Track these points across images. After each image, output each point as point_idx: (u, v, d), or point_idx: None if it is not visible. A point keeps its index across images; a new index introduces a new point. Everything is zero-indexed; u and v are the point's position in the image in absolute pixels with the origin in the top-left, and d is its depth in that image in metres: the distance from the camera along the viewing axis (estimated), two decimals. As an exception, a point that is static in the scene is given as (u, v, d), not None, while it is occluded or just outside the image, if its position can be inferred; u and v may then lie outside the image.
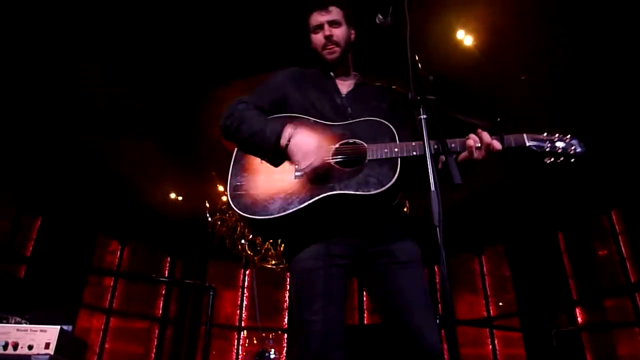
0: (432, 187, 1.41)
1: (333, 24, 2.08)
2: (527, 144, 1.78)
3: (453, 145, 1.75)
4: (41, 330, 2.22)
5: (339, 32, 2.08)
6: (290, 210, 1.73)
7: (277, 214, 1.74)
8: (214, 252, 8.62)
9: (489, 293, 8.82)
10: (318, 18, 2.10)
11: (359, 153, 1.80)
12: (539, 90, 5.54)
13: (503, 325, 8.49)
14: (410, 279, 1.76)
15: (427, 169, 1.50)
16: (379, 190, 1.70)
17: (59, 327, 2.23)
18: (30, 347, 2.18)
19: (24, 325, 2.23)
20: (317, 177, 1.77)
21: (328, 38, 2.05)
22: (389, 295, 1.78)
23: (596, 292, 7.25)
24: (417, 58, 1.67)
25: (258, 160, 1.89)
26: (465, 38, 5.10)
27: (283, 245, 2.03)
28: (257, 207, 1.78)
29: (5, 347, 2.17)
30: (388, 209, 1.83)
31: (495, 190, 7.87)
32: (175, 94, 6.10)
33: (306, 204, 1.74)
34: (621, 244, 6.90)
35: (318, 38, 2.10)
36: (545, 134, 1.82)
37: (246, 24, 5.12)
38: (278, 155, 1.83)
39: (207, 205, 6.43)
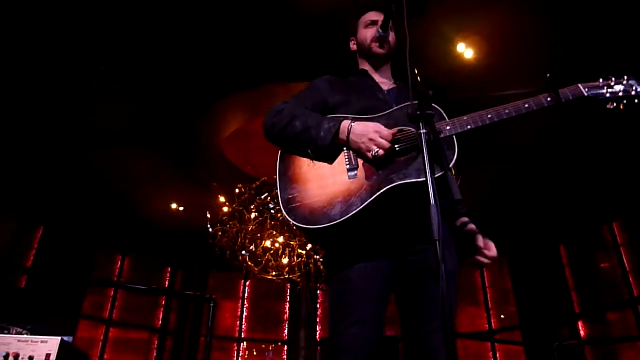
0: (432, 202, 1.40)
1: None
2: (585, 94, 1.71)
3: (507, 111, 1.72)
4: (42, 342, 2.22)
5: (390, 36, 2.12)
6: (354, 212, 1.65)
7: (340, 218, 1.66)
8: (214, 263, 8.61)
9: (490, 306, 8.77)
10: (374, 17, 2.14)
11: (412, 139, 1.73)
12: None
13: (505, 339, 8.43)
14: (438, 294, 1.73)
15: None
16: (442, 173, 1.57)
17: (59, 338, 2.23)
18: (31, 358, 2.17)
19: (25, 336, 2.23)
20: (380, 166, 1.71)
21: (381, 35, 2.06)
22: (413, 306, 1.75)
23: (599, 305, 7.21)
24: (417, 72, 1.67)
25: (305, 167, 1.82)
26: (465, 51, 5.13)
27: (326, 254, 1.93)
28: (317, 217, 1.70)
29: (6, 358, 2.17)
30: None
31: (497, 203, 7.87)
32: (177, 107, 6.13)
33: (369, 201, 1.66)
34: (623, 256, 6.88)
35: (370, 32, 2.12)
36: (601, 80, 1.74)
37: (247, 38, 5.16)
38: (335, 149, 1.79)
39: (209, 216, 6.43)
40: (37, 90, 5.72)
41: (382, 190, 1.66)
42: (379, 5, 2.17)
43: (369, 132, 1.73)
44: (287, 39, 5.18)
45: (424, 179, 1.57)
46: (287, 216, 1.77)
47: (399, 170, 1.68)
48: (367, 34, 2.14)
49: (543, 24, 4.80)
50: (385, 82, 2.13)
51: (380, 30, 2.05)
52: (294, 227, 1.82)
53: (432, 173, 1.47)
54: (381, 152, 1.70)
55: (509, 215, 8.22)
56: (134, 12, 4.80)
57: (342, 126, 1.78)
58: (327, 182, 1.77)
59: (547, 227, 8.00)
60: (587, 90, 1.71)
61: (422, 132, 1.50)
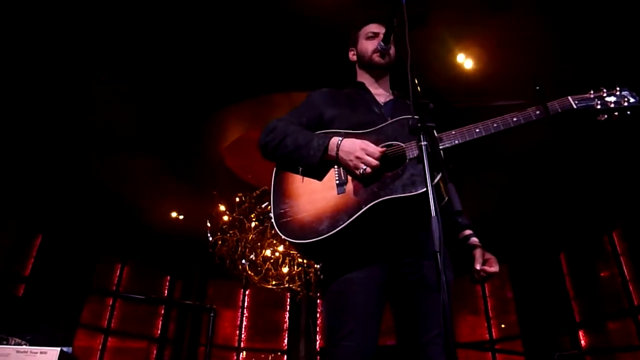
0: (433, 213, 1.40)
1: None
2: (575, 106, 1.70)
3: (495, 125, 1.73)
4: (41, 352, 2.21)
5: (391, 49, 2.14)
6: (341, 227, 1.68)
7: (327, 233, 1.69)
8: (214, 272, 8.59)
9: (490, 315, 8.74)
10: (375, 29, 2.17)
11: (398, 154, 1.76)
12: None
13: (505, 349, 8.38)
14: (435, 306, 1.68)
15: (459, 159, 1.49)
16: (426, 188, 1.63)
17: (59, 349, 2.22)
18: (29, 369, 2.17)
19: (24, 347, 2.22)
20: (368, 182, 1.73)
21: (383, 48, 2.08)
22: (409, 317, 1.75)
23: (599, 315, 7.19)
24: (417, 85, 1.68)
25: (297, 183, 1.86)
26: (465, 62, 5.16)
27: (320, 266, 1.97)
28: (305, 231, 1.74)
29: (5, 369, 2.16)
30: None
31: (497, 212, 7.86)
32: (178, 115, 6.15)
33: (355, 217, 1.68)
34: (623, 265, 6.87)
35: (371, 43, 2.15)
36: (592, 92, 1.73)
37: (247, 48, 5.19)
38: (323, 166, 1.82)
39: (208, 224, 6.42)
40: (37, 96, 5.74)
41: (368, 206, 1.69)
42: (380, 17, 2.19)
43: (355, 150, 1.76)
44: (287, 49, 5.22)
45: (409, 194, 1.65)
46: (278, 230, 1.80)
47: (386, 186, 1.71)
48: (369, 46, 2.16)
49: (542, 34, 4.83)
50: (382, 94, 2.15)
51: (382, 44, 2.07)
52: (285, 242, 1.86)
53: (433, 186, 1.47)
54: (368, 169, 1.72)
55: (510, 224, 8.21)
56: (137, 22, 4.83)
57: (330, 143, 1.82)
58: (317, 196, 1.80)
59: (548, 236, 7.99)
60: (576, 102, 1.71)
61: (422, 143, 1.51)
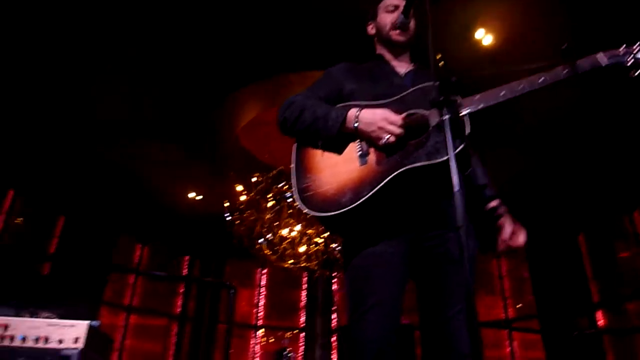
0: (456, 187, 1.39)
1: None
2: (604, 64, 1.62)
3: (521, 86, 1.66)
4: (70, 325, 2.28)
5: (411, 22, 2.08)
6: (364, 198, 1.65)
7: (350, 204, 1.66)
8: (231, 251, 8.70)
9: (507, 295, 8.74)
10: (395, 1, 2.09)
11: (421, 122, 1.70)
12: (560, 91, 5.48)
13: (522, 327, 8.39)
14: (458, 279, 1.68)
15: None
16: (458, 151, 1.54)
17: (88, 322, 2.29)
18: (60, 341, 2.24)
19: (54, 320, 2.29)
20: (390, 152, 1.70)
21: (403, 21, 2.01)
22: (433, 292, 1.74)
23: (618, 295, 7.13)
24: (439, 58, 1.65)
25: (318, 157, 1.84)
26: (484, 37, 5.06)
27: (342, 241, 1.93)
28: (328, 204, 1.72)
29: (36, 340, 2.24)
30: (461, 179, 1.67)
31: (515, 192, 7.79)
32: (195, 97, 6.18)
33: (378, 187, 1.65)
34: (644, 246, 6.79)
35: (391, 17, 2.08)
36: (623, 47, 1.65)
37: (262, 28, 5.16)
38: (342, 139, 1.79)
39: (226, 204, 6.48)
40: (60, 85, 5.81)
41: (391, 175, 1.65)
42: None
43: (376, 120, 1.72)
44: (302, 28, 5.17)
45: (435, 161, 1.59)
46: (301, 204, 1.78)
47: (410, 154, 1.67)
48: (388, 19, 2.10)
49: (564, 6, 4.70)
50: (402, 66, 2.10)
51: (402, 16, 2.04)
52: (308, 216, 1.85)
53: (456, 160, 1.46)
54: (392, 138, 1.68)
55: (528, 204, 8.14)
56: (152, 6, 4.83)
57: (348, 115, 1.78)
58: (339, 169, 1.77)
59: (567, 217, 7.90)
60: (606, 58, 1.63)
61: (445, 117, 1.49)
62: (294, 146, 1.95)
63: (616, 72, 1.65)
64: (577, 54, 1.67)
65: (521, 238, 1.81)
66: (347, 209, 1.68)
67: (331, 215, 1.71)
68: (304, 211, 1.77)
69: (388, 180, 1.66)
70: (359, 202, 1.66)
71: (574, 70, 1.64)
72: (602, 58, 1.64)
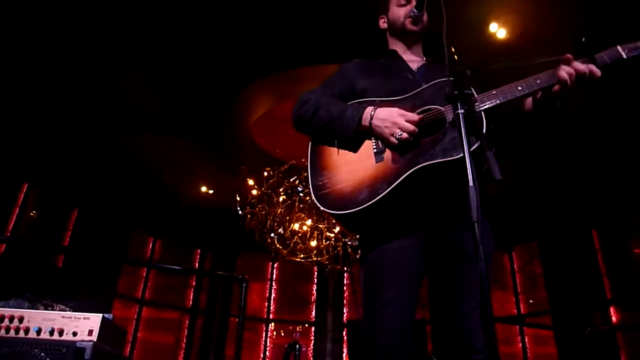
0: (470, 182, 1.37)
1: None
2: (624, 56, 1.57)
3: (538, 81, 1.62)
4: (84, 318, 2.31)
5: (424, 15, 2.07)
6: (381, 195, 1.65)
7: (368, 202, 1.66)
8: (243, 245, 8.75)
9: (519, 290, 8.68)
10: None
11: (438, 118, 1.70)
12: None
13: (534, 322, 8.34)
14: (474, 276, 1.64)
15: (513, 115, 1.56)
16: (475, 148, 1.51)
17: (101, 315, 2.31)
18: (74, 334, 2.27)
19: (69, 312, 2.32)
20: (405, 150, 1.69)
21: (415, 14, 2.02)
22: (448, 288, 1.73)
23: (632, 291, 7.05)
24: (454, 52, 1.62)
25: (334, 154, 1.84)
26: (498, 31, 5.00)
27: (359, 237, 1.92)
28: (345, 202, 1.72)
29: (51, 333, 2.27)
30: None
31: (528, 187, 7.72)
32: (207, 91, 6.19)
33: (395, 184, 1.65)
34: (658, 242, 6.70)
35: (404, 9, 2.07)
36: None
37: (275, 22, 5.14)
38: (358, 137, 1.78)
39: (238, 199, 6.50)
40: (72, 75, 5.86)
41: (408, 172, 1.65)
42: None
43: (393, 116, 1.71)
44: (314, 21, 5.14)
45: (451, 158, 1.58)
46: (317, 203, 1.79)
47: (426, 151, 1.66)
48: (400, 12, 2.09)
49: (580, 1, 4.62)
50: (415, 61, 2.09)
51: (415, 10, 2.02)
52: (320, 209, 1.83)
53: (470, 155, 1.44)
54: (405, 135, 1.68)
55: (540, 200, 8.06)
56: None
57: (364, 113, 1.77)
58: (355, 167, 1.77)
59: (580, 212, 7.81)
60: (626, 51, 1.58)
61: (460, 112, 1.47)
62: (309, 144, 1.95)
63: (638, 65, 1.60)
64: (596, 47, 1.64)
65: (594, 68, 1.61)
66: (364, 206, 1.67)
67: (348, 213, 1.70)
68: (321, 209, 1.77)
69: (405, 177, 1.65)
70: (376, 199, 1.66)
71: (594, 63, 1.60)
72: (622, 50, 1.59)
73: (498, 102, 1.65)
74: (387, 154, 1.75)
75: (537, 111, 1.75)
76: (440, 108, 1.71)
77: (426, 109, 1.75)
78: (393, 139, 1.70)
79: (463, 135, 1.45)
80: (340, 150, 1.84)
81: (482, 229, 1.70)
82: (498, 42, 5.08)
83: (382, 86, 1.94)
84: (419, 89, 1.83)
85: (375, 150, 1.77)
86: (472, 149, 1.46)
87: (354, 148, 1.81)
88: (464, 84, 1.51)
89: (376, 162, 1.74)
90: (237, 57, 5.62)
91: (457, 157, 1.57)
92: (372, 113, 1.76)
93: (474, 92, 1.70)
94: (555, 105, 1.71)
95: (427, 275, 1.83)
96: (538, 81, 1.64)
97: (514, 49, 5.10)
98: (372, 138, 1.80)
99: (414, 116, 1.71)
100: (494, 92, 1.67)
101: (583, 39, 1.62)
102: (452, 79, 1.50)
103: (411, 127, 1.69)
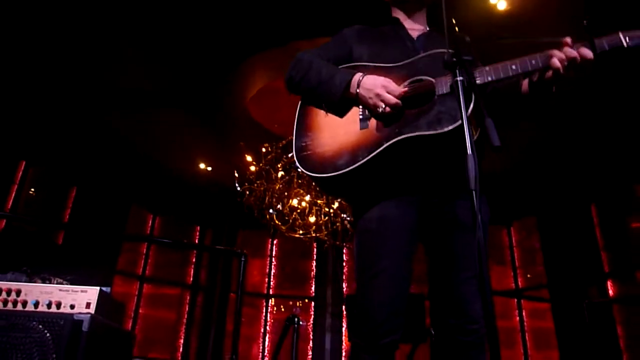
0: (468, 151, 1.35)
1: None
2: (625, 44, 1.52)
3: (533, 61, 1.59)
4: (82, 291, 2.31)
5: None
6: (359, 163, 1.65)
7: (346, 168, 1.66)
8: (242, 221, 8.77)
9: (517, 265, 8.74)
10: None
11: (427, 89, 1.67)
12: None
13: (532, 295, 8.42)
14: (469, 245, 1.64)
15: (508, 95, 1.56)
16: (453, 126, 1.53)
17: (98, 288, 2.32)
18: (72, 307, 2.27)
19: (66, 285, 2.32)
20: (390, 120, 1.67)
21: None
22: (443, 257, 1.71)
23: (629, 265, 7.10)
24: (453, 19, 1.58)
25: (321, 116, 1.82)
26: (498, 2, 4.90)
27: (352, 208, 1.91)
28: (324, 166, 1.71)
29: (49, 305, 2.27)
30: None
31: (527, 162, 7.69)
32: (204, 66, 6.10)
33: (374, 153, 1.64)
34: (657, 216, 6.72)
35: None
36: None
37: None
38: (345, 103, 1.76)
39: (236, 175, 6.49)
40: (69, 53, 5.77)
41: (389, 142, 1.63)
42: None
43: (376, 87, 1.69)
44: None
45: (435, 132, 1.56)
46: (297, 164, 1.78)
47: (410, 123, 1.64)
48: None
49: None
50: (417, 29, 2.04)
51: None
52: (303, 175, 1.83)
53: (468, 121, 1.41)
54: (387, 109, 1.66)
55: (539, 175, 8.05)
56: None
57: (352, 80, 1.75)
58: (339, 131, 1.76)
59: (578, 188, 7.81)
60: (628, 39, 1.52)
61: (458, 78, 1.44)
62: (299, 103, 1.94)
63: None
64: (597, 30, 1.58)
65: (585, 51, 1.57)
66: (342, 172, 1.67)
67: (326, 177, 1.70)
68: (299, 171, 1.77)
69: (385, 147, 1.64)
70: (354, 167, 1.66)
71: (592, 49, 1.55)
72: (624, 38, 1.53)
73: (490, 79, 1.62)
74: (372, 121, 1.73)
75: (533, 94, 1.72)
76: (431, 79, 1.68)
77: (417, 79, 1.72)
78: (376, 110, 1.69)
79: (462, 101, 1.42)
80: (326, 113, 1.83)
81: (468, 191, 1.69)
82: (498, 14, 4.99)
83: (379, 53, 1.91)
84: (413, 58, 1.80)
85: (361, 117, 1.75)
86: (450, 128, 1.49)
87: (341, 113, 1.79)
88: (463, 50, 1.48)
89: (360, 129, 1.73)
90: (234, 31, 5.52)
91: (440, 131, 1.56)
92: (360, 80, 1.73)
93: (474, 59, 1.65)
94: (551, 90, 1.68)
95: (423, 244, 1.82)
96: (533, 62, 1.60)
97: (514, 20, 5.01)
98: (359, 105, 1.78)
99: (397, 89, 1.69)
100: (486, 69, 1.64)
101: (585, 22, 1.55)
102: (451, 47, 1.46)
103: (393, 100, 1.66)
